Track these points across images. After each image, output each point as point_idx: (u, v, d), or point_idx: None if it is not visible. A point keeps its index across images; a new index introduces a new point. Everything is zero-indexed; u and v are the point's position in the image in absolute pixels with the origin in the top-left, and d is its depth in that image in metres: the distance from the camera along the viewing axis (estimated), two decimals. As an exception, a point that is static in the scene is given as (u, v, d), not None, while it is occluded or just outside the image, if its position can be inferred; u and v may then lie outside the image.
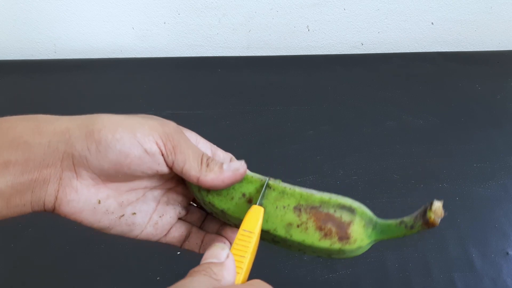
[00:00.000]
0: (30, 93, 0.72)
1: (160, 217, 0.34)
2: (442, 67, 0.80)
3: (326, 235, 0.31)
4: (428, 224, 0.30)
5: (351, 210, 0.32)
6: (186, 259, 0.49)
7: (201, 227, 0.37)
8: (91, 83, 0.75)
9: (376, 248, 0.51)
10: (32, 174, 0.28)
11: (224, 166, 0.32)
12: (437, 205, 0.30)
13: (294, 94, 0.73)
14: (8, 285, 0.47)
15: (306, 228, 0.31)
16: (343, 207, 0.32)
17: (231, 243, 0.35)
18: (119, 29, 0.80)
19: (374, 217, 0.33)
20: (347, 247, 0.31)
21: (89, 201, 0.30)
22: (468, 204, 0.56)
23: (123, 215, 0.32)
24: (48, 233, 0.52)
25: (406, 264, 0.50)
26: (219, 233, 0.36)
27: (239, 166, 0.32)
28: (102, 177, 0.30)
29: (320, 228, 0.31)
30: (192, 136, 0.34)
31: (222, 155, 0.36)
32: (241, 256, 0.29)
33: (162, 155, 0.30)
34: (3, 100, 0.71)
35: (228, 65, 0.79)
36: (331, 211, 0.31)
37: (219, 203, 0.33)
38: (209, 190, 0.33)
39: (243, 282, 0.28)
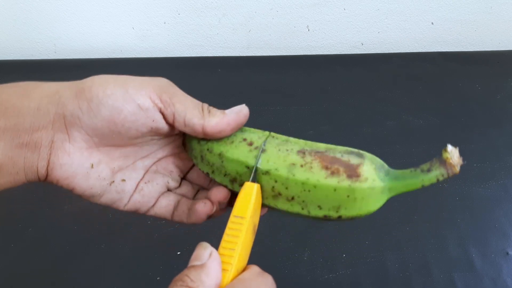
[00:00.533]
0: (30, 93, 0.72)
1: (145, 183, 0.32)
2: (442, 67, 0.80)
3: (333, 173, 0.28)
4: (445, 167, 0.28)
5: (359, 154, 0.29)
6: (186, 259, 0.49)
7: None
8: (91, 83, 0.75)
9: (376, 248, 0.51)
10: (23, 138, 0.27)
11: (227, 111, 0.31)
12: (451, 148, 0.28)
13: (294, 94, 0.73)
14: (8, 285, 0.47)
15: (311, 167, 0.28)
16: (351, 152, 0.29)
17: (214, 205, 0.32)
18: (119, 29, 0.80)
19: (386, 166, 0.30)
20: (358, 185, 0.28)
21: (82, 165, 0.29)
22: (468, 204, 0.56)
23: (113, 182, 0.31)
24: (48, 233, 0.52)
25: (406, 264, 0.50)
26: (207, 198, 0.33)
27: (242, 108, 0.31)
28: (95, 138, 0.29)
29: (326, 168, 0.28)
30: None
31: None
32: (231, 249, 0.26)
33: (160, 109, 0.29)
34: (3, 100, 0.71)
35: (228, 65, 0.79)
36: (338, 155, 0.29)
37: (218, 146, 0.31)
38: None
39: (234, 277, 0.26)
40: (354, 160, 0.28)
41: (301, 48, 0.85)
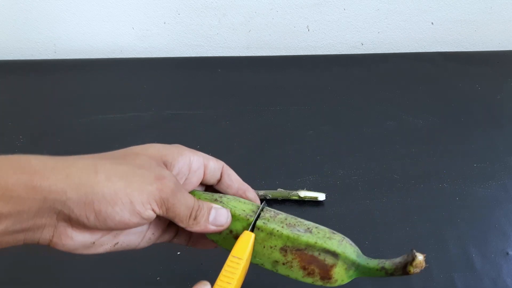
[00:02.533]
0: (30, 93, 0.72)
1: (153, 233, 0.36)
2: (442, 67, 0.80)
3: (309, 274, 0.34)
4: (407, 274, 0.33)
5: (335, 255, 0.34)
6: (186, 259, 0.49)
7: None
8: (91, 83, 0.75)
9: (376, 248, 0.51)
10: (26, 224, 0.28)
11: (210, 218, 0.34)
12: (419, 259, 0.33)
13: (294, 94, 0.73)
14: (8, 285, 0.47)
15: (291, 266, 0.34)
16: (327, 251, 0.34)
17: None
18: (119, 29, 0.80)
19: (357, 260, 0.34)
20: (328, 285, 0.35)
21: (84, 243, 0.31)
22: (468, 204, 0.56)
23: (117, 243, 0.34)
24: (48, 233, 0.52)
25: (406, 264, 0.50)
26: None
27: (224, 222, 0.35)
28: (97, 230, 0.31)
29: (304, 268, 0.34)
30: (186, 161, 0.35)
31: (213, 166, 0.38)
32: (228, 283, 0.31)
33: (158, 216, 0.32)
34: (3, 100, 0.71)
35: (228, 65, 0.79)
36: (316, 254, 0.34)
37: (209, 235, 0.36)
38: None
39: None
40: (329, 260, 0.34)
41: (301, 48, 0.85)
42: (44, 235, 0.29)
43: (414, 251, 0.34)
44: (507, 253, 0.51)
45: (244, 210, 0.36)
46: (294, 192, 0.55)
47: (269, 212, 0.36)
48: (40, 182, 0.27)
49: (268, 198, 0.55)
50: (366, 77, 0.77)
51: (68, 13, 0.78)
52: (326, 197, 0.56)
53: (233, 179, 0.39)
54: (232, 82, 0.75)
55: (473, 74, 0.78)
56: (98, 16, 0.79)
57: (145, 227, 0.35)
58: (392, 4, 0.80)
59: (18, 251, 0.50)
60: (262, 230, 0.34)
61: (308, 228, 0.35)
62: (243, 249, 0.33)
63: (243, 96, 0.72)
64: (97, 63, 0.79)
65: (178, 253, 0.49)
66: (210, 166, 0.37)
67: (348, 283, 0.48)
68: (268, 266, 0.35)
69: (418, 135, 0.66)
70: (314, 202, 0.56)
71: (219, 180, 0.39)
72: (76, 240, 0.30)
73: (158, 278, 0.47)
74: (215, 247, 0.38)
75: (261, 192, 0.55)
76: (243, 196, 0.39)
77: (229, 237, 0.35)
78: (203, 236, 0.38)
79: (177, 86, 0.74)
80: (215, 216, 0.34)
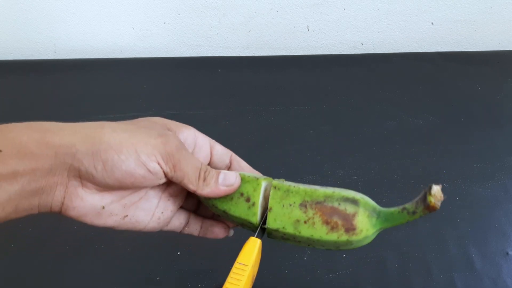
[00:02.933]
0: (30, 93, 0.72)
1: (162, 212, 0.35)
2: (442, 67, 0.80)
3: (333, 228, 0.32)
4: (429, 208, 0.31)
5: (354, 201, 0.33)
6: (186, 259, 0.49)
7: (197, 211, 0.39)
8: (91, 83, 0.75)
9: (376, 248, 0.51)
10: (40, 183, 0.28)
11: (220, 180, 0.34)
12: (436, 188, 0.31)
13: (294, 94, 0.73)
14: (8, 285, 0.47)
15: (313, 223, 0.33)
16: (346, 199, 0.33)
17: (228, 225, 0.38)
18: (119, 29, 0.80)
19: (377, 206, 0.34)
20: (354, 238, 0.32)
21: (94, 206, 0.31)
22: (468, 204, 0.56)
23: (127, 215, 0.33)
24: (48, 233, 0.52)
25: (406, 264, 0.50)
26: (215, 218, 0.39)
27: (234, 181, 0.34)
28: (107, 188, 0.31)
29: (326, 222, 0.32)
30: (191, 133, 0.36)
31: (221, 150, 0.38)
32: None
33: (164, 172, 0.32)
34: (3, 100, 0.71)
35: (228, 65, 0.79)
36: (336, 204, 0.33)
37: (221, 204, 0.35)
38: None
39: None
40: (350, 209, 0.33)
41: (301, 48, 0.85)
42: (57, 197, 0.30)
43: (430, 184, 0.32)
44: (507, 253, 0.51)
45: (253, 175, 0.36)
46: (294, 192, 0.55)
47: (280, 179, 0.35)
48: (51, 138, 0.28)
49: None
50: (366, 77, 0.77)
51: (68, 13, 0.78)
52: (326, 197, 0.56)
53: (243, 166, 0.39)
54: (232, 82, 0.75)
55: (473, 74, 0.78)
56: (98, 16, 0.79)
57: (154, 202, 0.35)
58: (392, 4, 0.80)
59: (19, 248, 0.50)
60: (279, 189, 0.34)
61: (324, 187, 0.34)
62: (249, 255, 0.33)
63: (243, 96, 0.72)
64: (97, 63, 0.79)
65: (178, 253, 0.49)
66: (217, 148, 0.38)
67: (349, 279, 0.48)
68: (289, 229, 0.33)
69: (418, 135, 0.66)
70: (314, 202, 0.56)
71: (229, 167, 0.39)
72: (86, 201, 0.31)
73: (158, 278, 0.47)
74: (226, 235, 0.38)
75: (261, 192, 0.55)
76: None
77: (241, 200, 0.34)
78: (214, 224, 0.38)
79: (177, 86, 0.74)
80: (224, 177, 0.34)
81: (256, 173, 0.38)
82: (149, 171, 0.31)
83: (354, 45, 0.86)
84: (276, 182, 0.34)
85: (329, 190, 0.33)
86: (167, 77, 0.77)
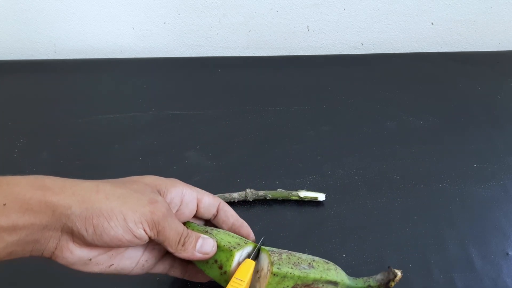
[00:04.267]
0: (30, 93, 0.72)
1: (146, 261, 0.39)
2: (442, 67, 0.80)
3: None
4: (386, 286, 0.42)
5: (335, 283, 0.41)
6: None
7: None
8: (91, 83, 0.75)
9: (376, 248, 0.51)
10: (36, 235, 0.31)
11: (197, 246, 0.38)
12: (399, 275, 0.41)
13: (294, 94, 0.73)
14: (8, 285, 0.47)
15: None
16: (329, 282, 0.41)
17: None
18: (119, 29, 0.80)
19: (350, 283, 0.43)
20: None
21: (82, 258, 0.34)
22: (468, 204, 0.56)
23: (112, 265, 0.37)
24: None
25: (406, 264, 0.50)
26: None
27: (209, 251, 0.38)
28: (95, 247, 0.35)
29: None
30: (178, 192, 0.39)
31: (208, 201, 0.42)
32: None
33: (149, 237, 0.35)
34: (3, 100, 0.71)
35: (228, 65, 0.79)
36: (320, 285, 0.40)
37: (198, 264, 0.40)
38: None
39: None
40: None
41: (301, 48, 0.85)
42: (49, 247, 0.33)
43: (393, 269, 0.42)
44: (507, 254, 0.51)
45: (229, 242, 0.39)
46: (294, 192, 0.55)
47: (274, 254, 0.39)
48: (50, 198, 0.31)
49: (268, 198, 0.55)
50: (366, 77, 0.77)
51: (68, 13, 0.78)
52: (326, 197, 0.56)
53: (228, 215, 0.43)
54: (232, 82, 0.75)
55: (473, 74, 0.78)
56: (98, 16, 0.79)
57: (139, 252, 0.38)
58: (392, 4, 0.80)
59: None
60: (277, 275, 0.38)
61: (309, 263, 0.40)
62: (245, 272, 0.38)
63: (243, 96, 0.72)
64: (97, 63, 0.79)
65: (178, 253, 0.49)
66: (204, 200, 0.41)
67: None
68: None
69: (418, 135, 0.66)
70: (314, 202, 0.56)
71: (216, 216, 0.43)
72: (75, 254, 0.34)
73: (157, 278, 0.47)
74: (208, 280, 0.42)
75: (261, 193, 0.55)
76: (236, 232, 0.42)
77: (215, 266, 0.38)
78: (200, 270, 0.41)
79: (177, 86, 0.74)
80: (202, 244, 0.38)
81: (243, 229, 0.43)
82: (135, 236, 0.34)
83: (354, 45, 0.86)
84: (275, 269, 0.38)
85: (317, 273, 0.40)
86: (167, 77, 0.77)
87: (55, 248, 0.33)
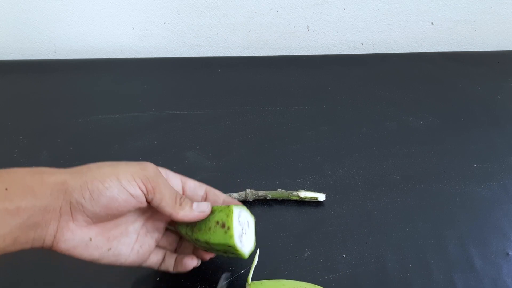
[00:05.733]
0: (30, 93, 0.72)
1: (140, 246, 0.40)
2: (442, 67, 0.80)
3: None
4: None
5: None
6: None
7: (176, 251, 0.45)
8: (91, 83, 0.75)
9: (376, 248, 0.51)
10: (37, 218, 0.33)
11: (194, 206, 0.39)
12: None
13: (294, 94, 0.73)
14: (8, 285, 0.47)
15: None
16: None
17: (199, 260, 0.43)
18: (119, 29, 0.80)
19: None
20: None
21: (82, 239, 0.36)
22: (468, 204, 0.56)
23: (110, 248, 0.38)
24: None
25: (406, 264, 0.50)
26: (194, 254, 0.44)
27: (205, 208, 0.40)
28: (94, 219, 0.36)
29: None
30: (162, 171, 0.41)
31: (193, 185, 0.44)
32: None
33: (145, 195, 0.37)
34: (3, 100, 0.71)
35: (228, 65, 0.79)
36: None
37: (203, 236, 0.40)
38: (193, 229, 0.41)
39: None
40: None
41: (301, 48, 0.85)
42: (50, 231, 0.34)
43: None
44: (507, 254, 0.51)
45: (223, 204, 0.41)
46: (294, 193, 0.55)
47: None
48: (48, 179, 0.34)
49: (268, 198, 0.55)
50: (366, 77, 0.77)
51: (68, 13, 0.78)
52: (326, 197, 0.56)
53: (217, 194, 0.45)
54: (232, 82, 0.75)
55: (473, 74, 0.78)
56: (98, 16, 0.79)
57: (133, 237, 0.40)
58: (392, 4, 0.80)
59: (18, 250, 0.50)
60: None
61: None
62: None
63: (243, 96, 0.72)
64: (97, 63, 0.79)
65: (178, 253, 0.49)
66: (189, 184, 0.43)
67: (349, 279, 0.48)
68: None
69: (418, 135, 0.66)
70: (314, 203, 0.56)
71: (205, 199, 0.44)
72: (76, 234, 0.35)
73: (158, 279, 0.47)
74: (194, 266, 0.43)
75: (261, 193, 0.55)
76: None
77: (218, 228, 0.39)
78: (184, 257, 0.42)
79: (177, 86, 0.74)
80: (198, 205, 0.40)
81: (231, 203, 0.43)
82: (131, 194, 0.36)
83: (354, 45, 0.86)
84: (253, 285, 0.41)
85: None
86: (167, 77, 0.77)
87: (56, 231, 0.34)
